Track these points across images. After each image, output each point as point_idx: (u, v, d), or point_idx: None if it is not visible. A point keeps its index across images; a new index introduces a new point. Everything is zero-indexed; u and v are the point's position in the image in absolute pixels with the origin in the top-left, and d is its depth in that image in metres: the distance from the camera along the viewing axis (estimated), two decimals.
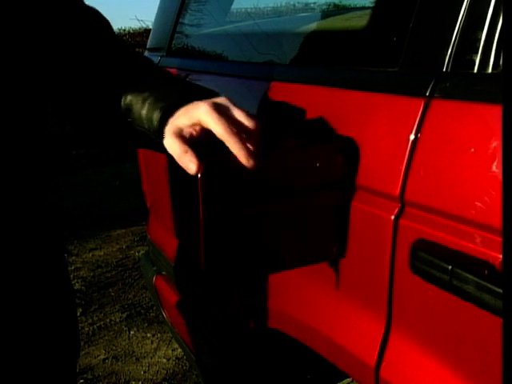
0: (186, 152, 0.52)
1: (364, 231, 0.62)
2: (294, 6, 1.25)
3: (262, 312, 0.80)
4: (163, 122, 0.56)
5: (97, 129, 0.74)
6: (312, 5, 1.17)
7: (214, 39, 1.13)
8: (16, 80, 0.60)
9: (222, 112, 0.52)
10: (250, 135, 0.53)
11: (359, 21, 0.72)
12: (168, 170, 1.00)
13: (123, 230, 3.25)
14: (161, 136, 0.56)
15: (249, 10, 1.22)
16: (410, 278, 0.55)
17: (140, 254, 2.88)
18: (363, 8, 0.99)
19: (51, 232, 0.70)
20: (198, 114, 0.52)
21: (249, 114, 0.53)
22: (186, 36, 1.20)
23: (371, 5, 0.87)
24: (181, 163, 0.52)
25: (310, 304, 0.71)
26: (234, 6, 1.24)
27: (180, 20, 1.21)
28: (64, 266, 0.77)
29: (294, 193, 0.61)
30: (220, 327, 0.94)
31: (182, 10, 1.20)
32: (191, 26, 1.20)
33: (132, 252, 2.96)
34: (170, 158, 0.54)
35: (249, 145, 0.52)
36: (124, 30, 8.76)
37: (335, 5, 1.07)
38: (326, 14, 1.03)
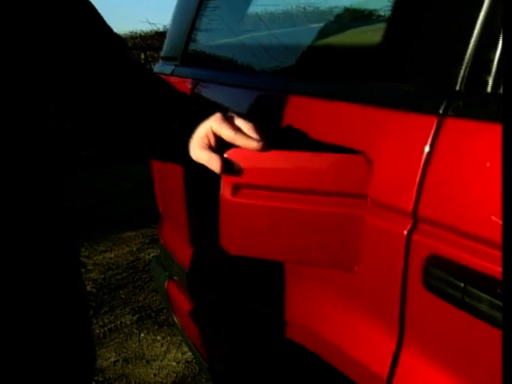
0: (211, 157, 0.66)
1: (377, 245, 0.63)
2: (305, 8, 1.26)
3: (276, 322, 0.81)
4: (188, 141, 0.69)
5: (110, 138, 0.76)
6: (322, 8, 1.18)
7: (229, 49, 1.14)
8: (17, 80, 0.61)
9: (228, 121, 0.66)
10: (251, 134, 0.66)
11: (374, 36, 0.73)
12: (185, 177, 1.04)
13: (133, 233, 3.27)
14: (184, 151, 0.68)
15: (262, 17, 1.23)
16: (422, 293, 0.56)
17: (150, 256, 2.90)
18: (374, 13, 1.00)
19: (51, 232, 0.70)
20: (210, 125, 0.66)
21: (247, 120, 0.66)
22: (200, 45, 1.22)
23: (383, 13, 0.88)
24: (210, 166, 0.66)
25: (324, 315, 0.72)
26: (250, 10, 1.24)
27: (194, 29, 1.22)
28: (74, 272, 0.75)
29: (307, 195, 0.66)
30: (233, 337, 0.95)
31: (196, 19, 1.21)
32: (205, 35, 1.21)
33: (142, 254, 2.98)
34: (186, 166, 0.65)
35: (252, 139, 0.65)
36: (135, 33, 8.84)
37: (346, 8, 1.08)
38: (340, 22, 1.04)
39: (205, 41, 1.22)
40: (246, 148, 0.65)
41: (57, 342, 0.70)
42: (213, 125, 0.66)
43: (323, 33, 0.94)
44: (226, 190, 0.68)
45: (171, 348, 2.09)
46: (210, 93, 1.05)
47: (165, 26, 8.21)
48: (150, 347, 2.09)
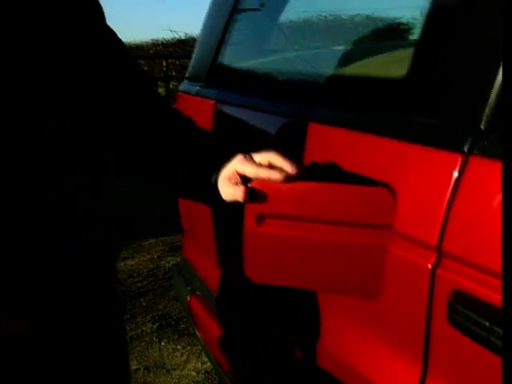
0: (235, 189, 0.69)
1: (403, 276, 0.64)
2: (326, 17, 1.27)
3: (301, 349, 0.83)
4: (214, 183, 0.72)
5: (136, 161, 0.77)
6: (343, 16, 1.19)
7: (253, 71, 1.16)
8: (17, 80, 0.62)
9: (249, 160, 0.69)
10: (278, 165, 0.67)
11: (401, 68, 0.74)
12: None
13: (154, 240, 3.31)
14: (214, 189, 0.71)
15: (289, 37, 1.25)
16: (447, 327, 0.57)
17: (170, 264, 2.94)
18: (403, 41, 1.01)
19: (51, 232, 0.70)
20: (234, 167, 0.70)
21: (268, 152, 0.69)
22: (226, 67, 1.24)
23: (411, 43, 0.88)
24: (235, 197, 0.69)
25: (348, 344, 0.73)
26: (276, 30, 1.26)
27: (220, 50, 1.25)
28: (77, 274, 0.75)
29: (330, 225, 0.67)
30: (257, 361, 0.97)
31: (222, 41, 1.24)
32: (231, 57, 1.23)
33: (163, 262, 3.01)
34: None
35: (275, 170, 0.67)
36: (157, 41, 8.98)
37: (367, 16, 1.09)
38: (368, 47, 1.05)
39: (230, 62, 1.24)
40: (270, 179, 0.67)
41: (54, 341, 0.70)
42: (236, 166, 0.69)
43: (350, 59, 0.95)
44: (250, 219, 0.70)
45: (191, 358, 2.11)
46: (233, 115, 1.08)
47: (186, 34, 8.34)
48: (170, 356, 2.12)
